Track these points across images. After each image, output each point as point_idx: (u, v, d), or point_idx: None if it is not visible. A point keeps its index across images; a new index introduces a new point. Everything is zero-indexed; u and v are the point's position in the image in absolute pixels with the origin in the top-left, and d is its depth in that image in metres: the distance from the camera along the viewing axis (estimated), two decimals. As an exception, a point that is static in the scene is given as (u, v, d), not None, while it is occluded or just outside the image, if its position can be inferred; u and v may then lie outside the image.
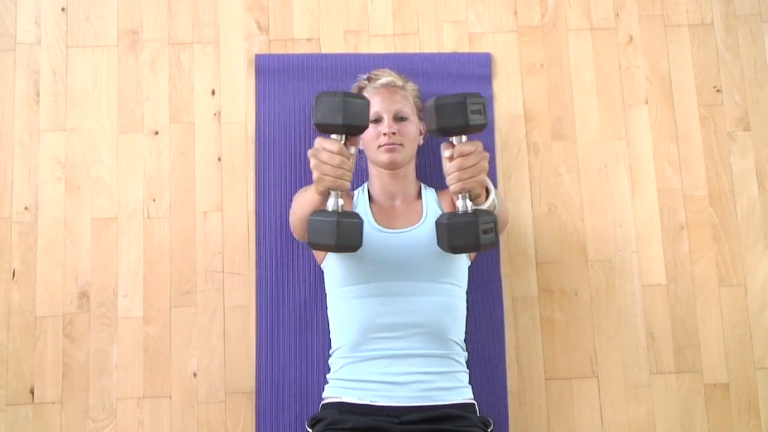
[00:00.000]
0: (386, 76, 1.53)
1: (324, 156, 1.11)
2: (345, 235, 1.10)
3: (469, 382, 1.44)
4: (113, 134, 1.68)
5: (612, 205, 1.71)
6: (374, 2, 1.76)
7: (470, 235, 1.09)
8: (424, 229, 1.43)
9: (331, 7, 1.75)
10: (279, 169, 1.66)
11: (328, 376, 1.45)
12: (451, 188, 1.14)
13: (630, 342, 1.66)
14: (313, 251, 1.53)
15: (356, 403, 1.35)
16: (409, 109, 1.49)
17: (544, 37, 1.77)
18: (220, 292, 1.64)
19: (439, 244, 1.16)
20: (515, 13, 1.78)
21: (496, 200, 1.22)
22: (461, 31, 1.76)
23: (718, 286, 1.69)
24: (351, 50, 1.74)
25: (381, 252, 1.40)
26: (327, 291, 1.49)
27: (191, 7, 1.74)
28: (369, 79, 1.55)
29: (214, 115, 1.70)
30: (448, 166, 1.13)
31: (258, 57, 1.71)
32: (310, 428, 1.38)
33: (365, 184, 1.55)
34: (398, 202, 1.50)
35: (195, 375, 1.61)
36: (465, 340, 1.46)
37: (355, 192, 1.54)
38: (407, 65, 1.69)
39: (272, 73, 1.70)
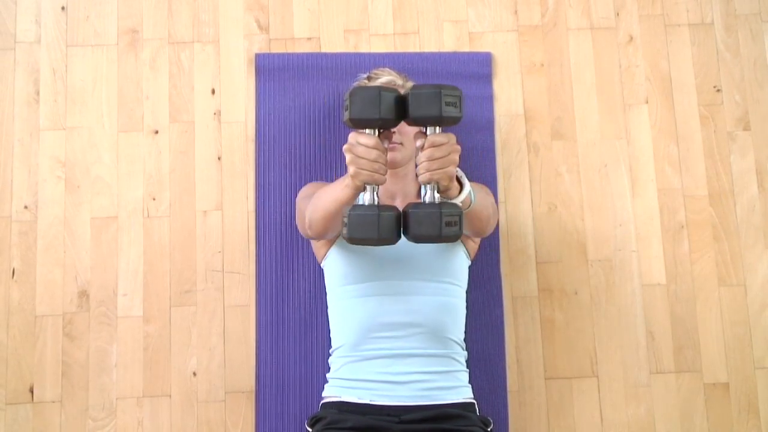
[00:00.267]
0: (386, 75, 1.53)
1: (360, 150, 1.11)
2: (386, 229, 1.11)
3: (469, 382, 1.44)
4: (113, 133, 1.68)
5: (612, 205, 1.71)
6: (374, 1, 1.76)
7: (432, 225, 1.10)
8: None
9: (331, 7, 1.75)
10: (279, 168, 1.66)
11: (327, 375, 1.45)
12: (419, 178, 1.14)
13: (630, 341, 1.66)
14: (314, 249, 1.53)
15: (356, 402, 1.35)
16: (409, 108, 1.49)
17: (544, 36, 1.77)
18: (219, 291, 1.64)
19: (403, 232, 1.16)
20: (515, 12, 1.78)
21: (472, 194, 1.22)
22: (461, 31, 1.76)
23: (718, 285, 1.69)
24: (351, 49, 1.74)
25: (381, 250, 1.40)
26: (327, 290, 1.49)
27: (191, 6, 1.74)
28: (369, 79, 1.55)
29: (214, 114, 1.70)
30: (418, 156, 1.13)
31: (258, 56, 1.71)
32: (310, 427, 1.38)
33: (365, 184, 1.55)
34: (398, 202, 1.50)
35: (195, 374, 1.61)
36: (465, 340, 1.46)
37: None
38: (407, 64, 1.69)
39: (272, 72, 1.70)
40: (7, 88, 1.68)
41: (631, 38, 1.78)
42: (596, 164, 1.72)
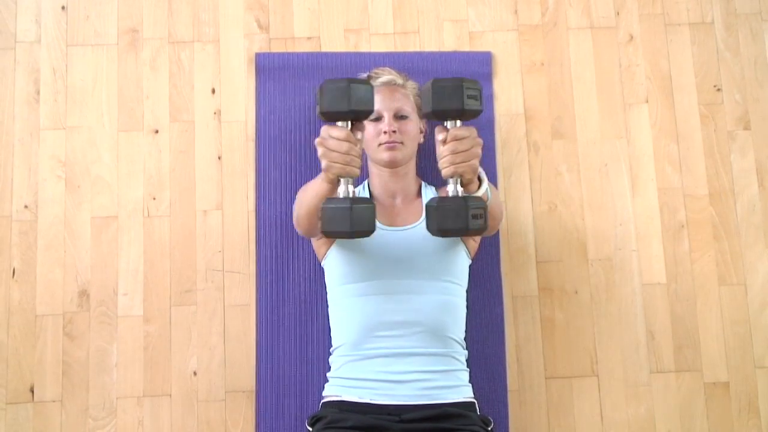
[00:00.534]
0: (386, 75, 1.53)
1: (332, 143, 1.11)
2: (359, 221, 1.10)
3: (469, 381, 1.44)
4: (113, 133, 1.68)
5: (612, 204, 1.71)
6: (374, 1, 1.76)
7: (459, 218, 1.10)
8: (425, 227, 1.43)
9: (331, 6, 1.75)
10: (279, 167, 1.66)
11: (328, 374, 1.45)
12: (443, 172, 1.14)
13: (630, 341, 1.66)
14: (314, 248, 1.53)
15: (356, 401, 1.35)
16: (409, 108, 1.49)
17: (544, 35, 1.77)
18: (220, 290, 1.64)
19: (428, 227, 1.16)
20: (515, 11, 1.78)
21: (488, 191, 1.22)
22: (461, 30, 1.76)
23: (718, 284, 1.69)
24: (351, 49, 1.74)
25: (381, 249, 1.40)
26: (327, 289, 1.49)
27: (191, 5, 1.74)
28: (369, 78, 1.55)
29: (215, 113, 1.70)
30: (440, 150, 1.13)
31: (258, 55, 1.71)
32: (310, 427, 1.38)
33: (365, 182, 1.55)
34: (398, 200, 1.50)
35: (195, 374, 1.61)
36: (465, 339, 1.46)
37: (356, 190, 1.53)
38: (407, 64, 1.69)
39: (272, 71, 1.70)
40: (7, 87, 1.68)
41: (632, 37, 1.78)
42: (596, 163, 1.72)
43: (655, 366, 1.66)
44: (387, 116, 1.45)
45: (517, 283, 1.67)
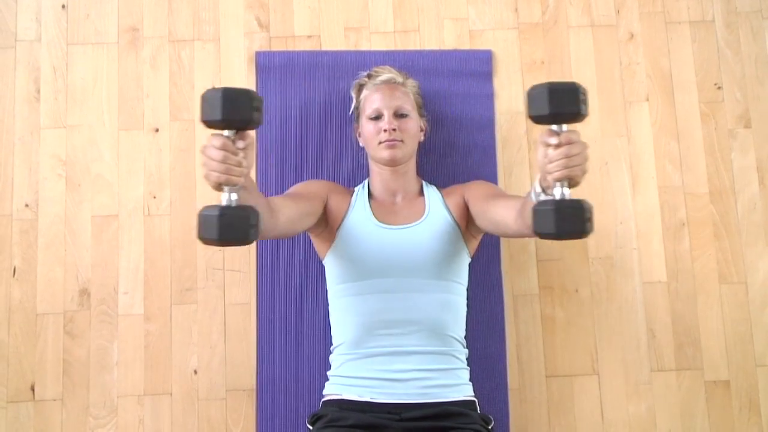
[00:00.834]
0: (386, 73, 1.53)
1: (209, 152, 1.08)
2: (227, 229, 1.07)
3: (470, 379, 1.44)
4: (114, 131, 1.68)
5: (613, 202, 1.71)
6: (375, -1, 1.76)
7: (579, 221, 1.09)
8: (426, 227, 1.43)
9: (331, 4, 1.75)
10: (279, 166, 1.66)
11: (328, 373, 1.45)
12: (553, 176, 1.09)
13: (630, 339, 1.66)
14: (315, 246, 1.53)
15: (357, 400, 1.36)
16: (409, 106, 1.49)
17: (544, 34, 1.77)
18: (220, 289, 1.64)
19: (538, 229, 1.11)
20: (516, 10, 1.78)
21: None
22: (462, 28, 1.76)
23: (719, 283, 1.69)
24: (351, 47, 1.73)
25: (381, 247, 1.40)
26: (328, 287, 1.49)
27: (191, 4, 1.74)
28: (369, 76, 1.55)
29: (215, 112, 1.70)
30: (552, 154, 1.08)
31: (258, 54, 1.71)
32: (311, 425, 1.38)
33: (366, 181, 1.55)
34: (399, 199, 1.50)
35: (196, 372, 1.61)
36: (465, 337, 1.46)
37: (356, 189, 1.53)
38: (408, 62, 1.69)
39: (273, 70, 1.70)
40: (7, 86, 1.68)
41: (632, 35, 1.78)
42: (597, 162, 1.72)
43: (656, 364, 1.66)
44: (387, 114, 1.45)
45: (517, 281, 1.67)
